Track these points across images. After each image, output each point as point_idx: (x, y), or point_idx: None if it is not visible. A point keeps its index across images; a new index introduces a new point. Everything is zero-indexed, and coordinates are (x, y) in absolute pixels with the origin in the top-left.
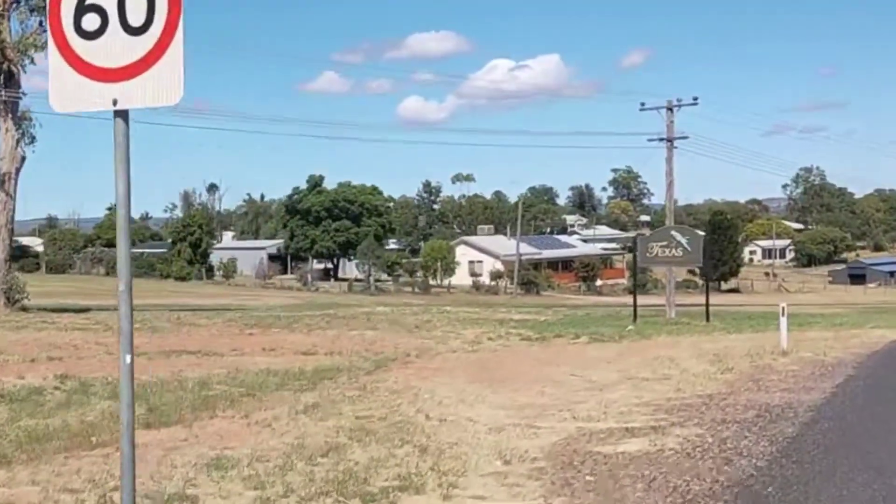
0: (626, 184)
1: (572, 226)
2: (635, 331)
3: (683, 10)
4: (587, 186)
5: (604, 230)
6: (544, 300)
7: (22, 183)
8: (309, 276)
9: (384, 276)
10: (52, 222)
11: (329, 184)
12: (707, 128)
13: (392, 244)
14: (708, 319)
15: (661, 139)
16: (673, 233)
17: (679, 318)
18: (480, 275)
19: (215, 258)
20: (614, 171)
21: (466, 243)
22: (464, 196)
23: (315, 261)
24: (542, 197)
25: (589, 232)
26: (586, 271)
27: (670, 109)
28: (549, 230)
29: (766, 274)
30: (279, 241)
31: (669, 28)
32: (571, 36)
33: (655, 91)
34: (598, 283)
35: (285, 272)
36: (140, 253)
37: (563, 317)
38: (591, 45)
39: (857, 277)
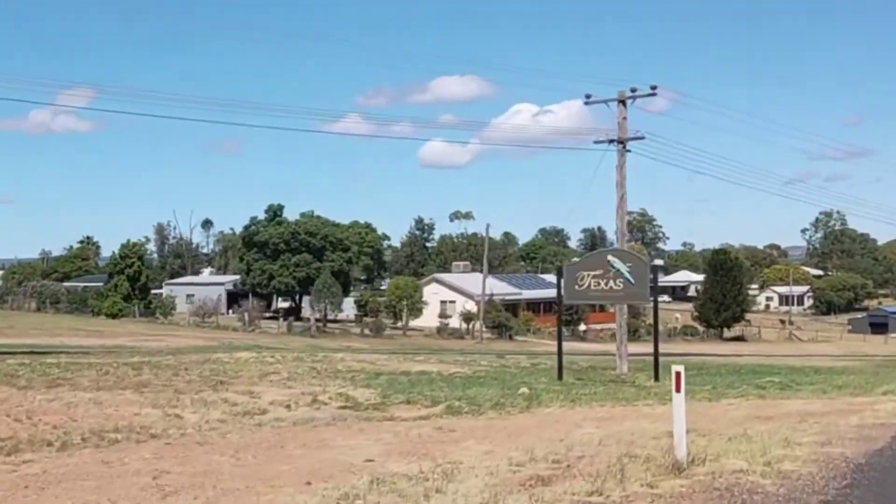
0: (641, 227)
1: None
2: (527, 396)
3: (708, 58)
4: (599, 229)
5: None
6: (513, 346)
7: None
8: (247, 315)
9: (349, 317)
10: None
11: (291, 213)
12: (731, 175)
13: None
14: (657, 377)
15: (611, 141)
16: (610, 258)
17: (628, 376)
18: (450, 316)
19: (177, 294)
20: (628, 213)
21: (438, 281)
22: (462, 234)
23: (280, 298)
24: (552, 239)
25: None
26: (569, 314)
27: (622, 103)
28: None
29: (782, 321)
30: (236, 277)
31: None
32: (595, 82)
33: (675, 136)
34: (583, 327)
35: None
36: (77, 287)
37: (485, 370)
38: (614, 90)
39: (879, 326)
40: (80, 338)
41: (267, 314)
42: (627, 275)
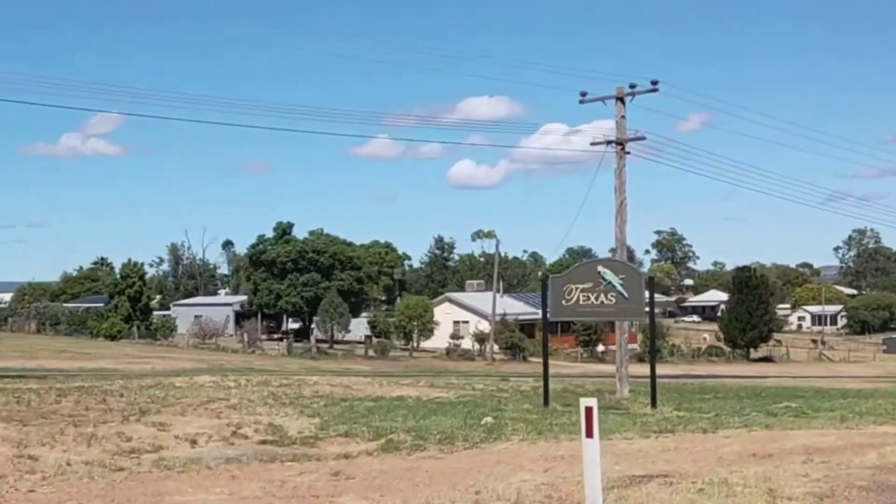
0: (671, 246)
1: None
2: (489, 428)
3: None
4: (628, 248)
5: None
6: (526, 367)
7: None
8: (246, 336)
9: (360, 338)
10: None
11: (300, 232)
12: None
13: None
14: (654, 404)
15: (609, 142)
16: (601, 270)
17: (627, 401)
18: (462, 337)
19: (185, 315)
20: (657, 233)
21: (451, 301)
22: (484, 254)
23: (290, 319)
24: (579, 259)
25: None
26: (587, 334)
27: (621, 100)
28: None
29: (814, 341)
30: (244, 298)
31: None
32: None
33: (711, 151)
34: (601, 348)
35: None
36: (77, 308)
37: (472, 395)
38: (647, 112)
39: None
40: (62, 360)
41: (275, 335)
42: (620, 288)
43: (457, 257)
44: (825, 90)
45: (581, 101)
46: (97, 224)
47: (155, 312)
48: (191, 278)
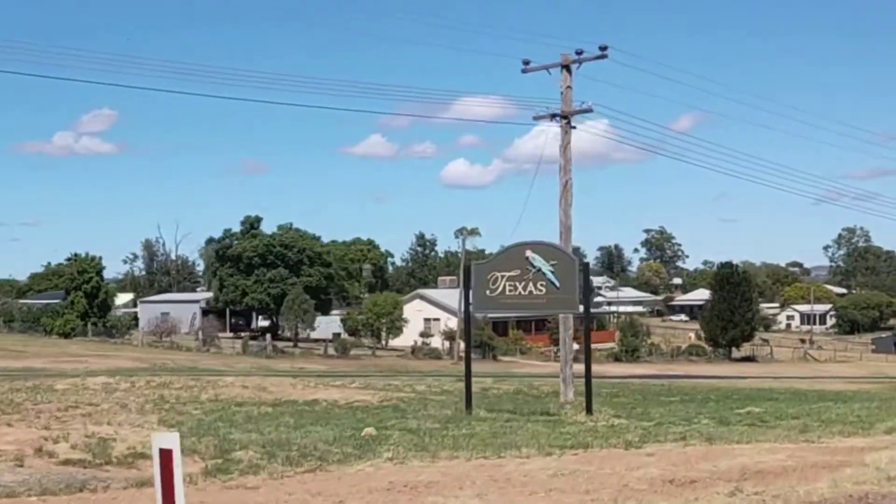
0: (659, 245)
1: (599, 288)
2: (361, 442)
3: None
4: (616, 247)
5: (630, 292)
6: (493, 367)
7: None
8: (201, 334)
9: (328, 336)
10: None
11: (268, 227)
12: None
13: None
14: (590, 410)
15: (553, 116)
16: (529, 255)
17: (570, 405)
18: (432, 335)
19: (150, 313)
20: (646, 231)
21: (422, 297)
22: (470, 251)
23: (261, 317)
24: None
25: (613, 294)
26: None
27: (566, 68)
28: None
29: (802, 341)
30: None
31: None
32: (621, 102)
33: (704, 151)
34: (576, 346)
35: (224, 330)
36: (32, 305)
37: (400, 397)
38: (640, 111)
39: None
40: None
41: (243, 333)
42: (551, 276)
43: (442, 254)
44: (814, 87)
45: (524, 71)
46: (88, 222)
47: (124, 310)
48: (165, 274)
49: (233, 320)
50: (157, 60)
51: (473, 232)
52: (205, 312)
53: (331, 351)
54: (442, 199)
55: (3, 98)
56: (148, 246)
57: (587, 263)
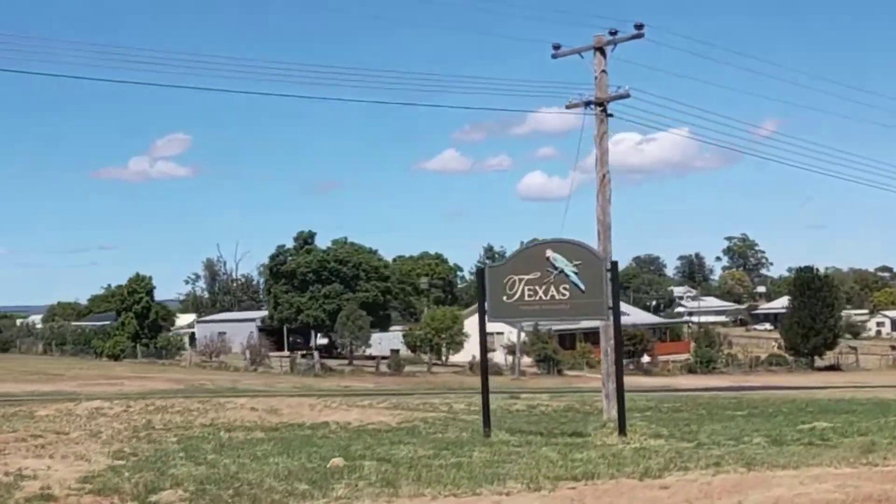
0: (742, 252)
1: (681, 298)
2: (325, 474)
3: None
4: (697, 256)
5: (712, 302)
6: (556, 382)
7: None
8: (248, 353)
9: (385, 352)
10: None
11: (323, 241)
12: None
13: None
14: (622, 430)
15: (588, 103)
16: (550, 255)
17: (609, 423)
18: (493, 350)
19: (203, 332)
20: (728, 238)
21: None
22: None
23: (319, 334)
24: (647, 267)
25: (694, 304)
26: (632, 344)
27: (600, 51)
28: (654, 303)
29: (893, 347)
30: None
31: (802, 97)
32: (702, 108)
33: (787, 156)
34: (646, 358)
35: (281, 348)
36: (86, 327)
37: (424, 419)
38: (722, 117)
39: None
40: (27, 383)
41: (301, 352)
42: (575, 277)
43: None
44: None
45: (554, 56)
46: (159, 245)
47: (185, 330)
48: (227, 294)
49: (290, 338)
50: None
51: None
52: (261, 331)
53: (384, 368)
54: (517, 213)
55: (82, 125)
56: (209, 266)
57: (615, 263)
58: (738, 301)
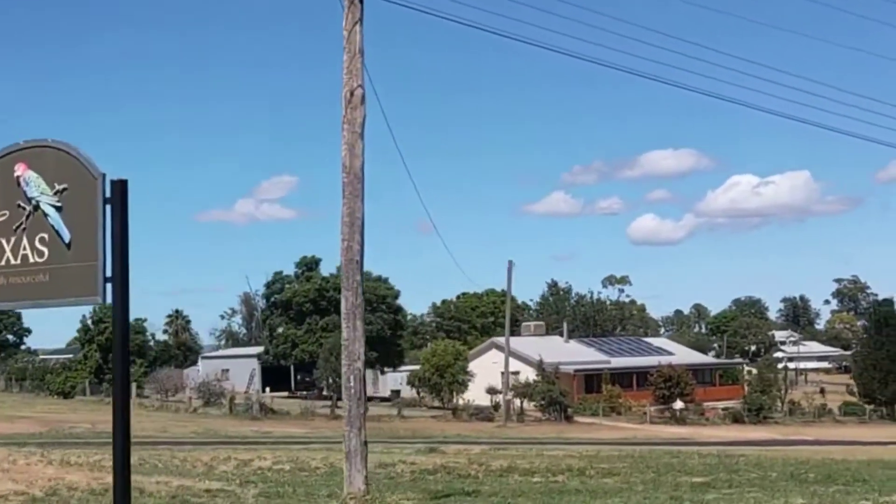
0: (853, 296)
1: (783, 342)
2: None
3: None
4: (802, 298)
5: (814, 346)
6: (560, 430)
7: None
8: (193, 393)
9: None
10: None
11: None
12: None
13: None
14: None
15: None
16: (22, 174)
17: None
18: (499, 391)
19: (207, 369)
20: (837, 280)
21: (498, 347)
22: (619, 301)
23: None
24: (747, 311)
25: (794, 349)
26: (666, 387)
27: None
28: (753, 348)
29: None
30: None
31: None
32: (822, 151)
33: None
34: (679, 405)
35: (286, 387)
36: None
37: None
38: (844, 161)
39: None
40: None
41: (302, 393)
42: (55, 216)
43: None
44: None
45: None
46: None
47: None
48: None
49: (298, 376)
50: None
51: (623, 280)
52: (263, 368)
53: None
54: (625, 255)
55: (184, 167)
56: (247, 300)
57: (124, 183)
58: (847, 347)
